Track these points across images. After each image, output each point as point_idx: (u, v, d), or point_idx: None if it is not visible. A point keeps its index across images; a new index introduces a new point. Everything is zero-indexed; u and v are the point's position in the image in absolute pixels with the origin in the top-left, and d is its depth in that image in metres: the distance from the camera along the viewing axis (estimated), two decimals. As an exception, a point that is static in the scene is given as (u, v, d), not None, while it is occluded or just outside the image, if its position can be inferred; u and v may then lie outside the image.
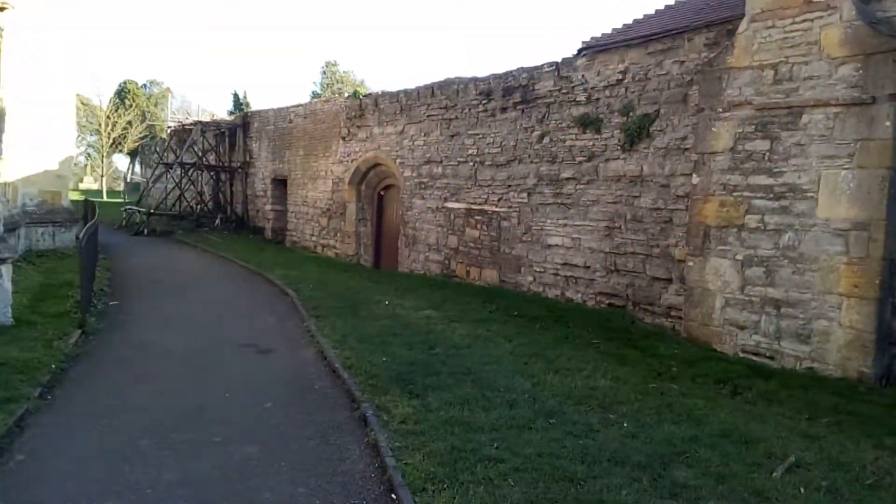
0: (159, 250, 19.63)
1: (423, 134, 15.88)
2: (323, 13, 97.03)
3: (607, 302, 11.23)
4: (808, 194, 7.86)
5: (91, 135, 59.13)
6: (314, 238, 20.83)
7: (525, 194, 12.90)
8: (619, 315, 10.85)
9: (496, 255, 13.67)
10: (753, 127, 8.42)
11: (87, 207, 19.73)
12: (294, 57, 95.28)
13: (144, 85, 69.43)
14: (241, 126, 25.47)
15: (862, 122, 7.43)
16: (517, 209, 13.09)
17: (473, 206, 14.31)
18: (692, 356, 8.36)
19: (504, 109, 13.47)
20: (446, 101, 15.00)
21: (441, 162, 15.26)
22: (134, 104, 58.00)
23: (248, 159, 25.44)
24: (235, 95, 49.62)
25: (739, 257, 8.52)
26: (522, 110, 13.04)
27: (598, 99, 11.47)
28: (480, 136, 14.10)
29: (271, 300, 11.87)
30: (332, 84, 53.40)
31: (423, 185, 15.87)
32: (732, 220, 8.60)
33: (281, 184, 23.45)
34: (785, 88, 8.13)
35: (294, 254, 19.62)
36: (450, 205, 14.99)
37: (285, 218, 23.10)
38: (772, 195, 8.21)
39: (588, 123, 11.57)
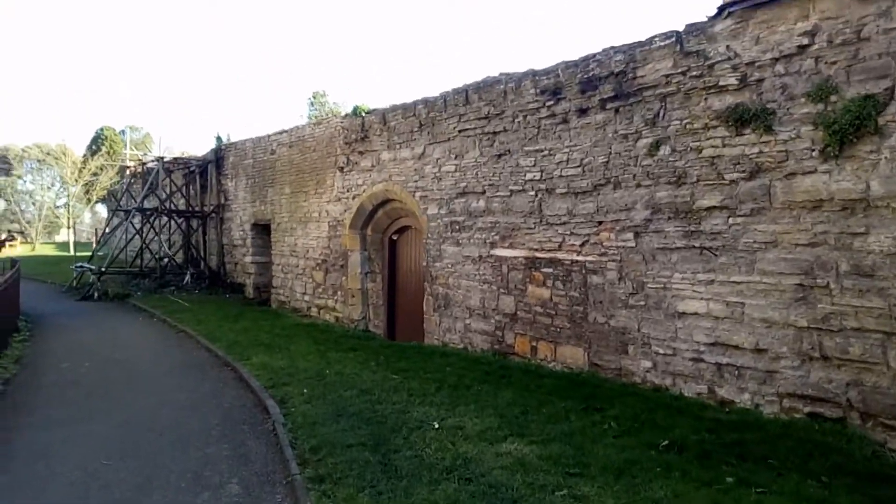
0: (105, 322, 14.94)
1: (452, 156, 11.52)
2: (306, 46, 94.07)
3: (806, 410, 6.70)
4: None
5: (73, 185, 54.48)
6: (307, 297, 16.23)
7: (630, 235, 8.48)
8: (837, 435, 6.34)
9: (581, 325, 9.16)
10: None
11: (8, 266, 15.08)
12: (279, 93, 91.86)
13: (122, 131, 65.43)
14: (213, 162, 21.09)
15: None
16: (617, 257, 8.65)
17: (539, 254, 9.86)
18: None
19: (584, 111, 9.15)
20: (488, 107, 10.68)
21: (483, 193, 10.87)
22: (111, 151, 53.68)
23: (222, 201, 20.98)
24: (218, 138, 45.34)
25: None
26: (617, 110, 8.72)
27: (760, 80, 7.15)
28: (545, 152, 9.75)
29: (238, 429, 7.13)
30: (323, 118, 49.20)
31: (456, 226, 11.44)
32: None
33: (263, 230, 18.96)
34: None
35: (281, 320, 14.99)
36: (500, 252, 10.54)
37: (270, 272, 18.54)
38: None
39: (746, 119, 7.22)
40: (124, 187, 24.58)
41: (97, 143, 58.25)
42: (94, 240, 20.34)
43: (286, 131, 17.52)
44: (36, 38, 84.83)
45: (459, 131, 11.32)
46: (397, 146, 12.95)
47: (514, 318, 10.28)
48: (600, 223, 8.88)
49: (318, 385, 8.33)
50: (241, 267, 20.13)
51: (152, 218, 21.61)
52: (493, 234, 10.67)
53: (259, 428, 6.97)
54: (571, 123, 9.34)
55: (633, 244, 8.44)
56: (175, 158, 22.99)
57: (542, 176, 9.82)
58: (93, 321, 15.12)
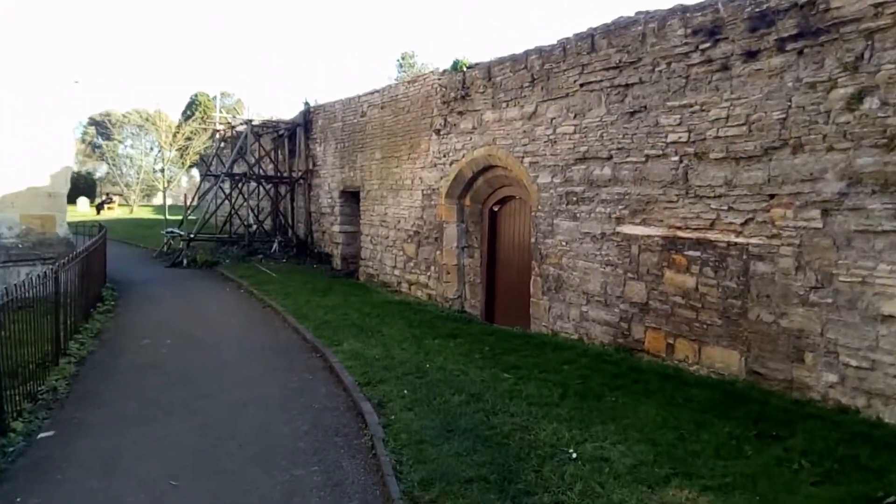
0: (190, 293, 14.39)
1: (571, 115, 9.85)
2: (393, 5, 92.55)
3: None
4: None
5: (168, 150, 55.78)
6: (397, 272, 15.11)
7: (815, 212, 6.63)
8: None
9: (738, 323, 7.43)
10: None
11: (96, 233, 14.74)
12: (366, 56, 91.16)
13: (215, 97, 66.68)
14: (302, 125, 20.21)
15: None
16: (795, 240, 6.83)
17: (682, 234, 8.13)
18: None
19: (752, 55, 7.25)
20: (620, 54, 8.91)
21: (609, 158, 9.18)
22: (205, 116, 54.62)
23: (311, 167, 20.13)
24: (306, 104, 45.12)
25: None
26: (800, 51, 6.79)
27: None
28: (695, 107, 7.93)
29: (331, 442, 5.85)
30: (411, 81, 47.73)
31: (573, 198, 9.83)
32: None
33: (352, 197, 17.96)
34: None
35: (371, 296, 13.94)
36: (629, 229, 8.87)
37: (358, 242, 17.57)
38: None
39: None
40: (214, 151, 24.27)
41: (191, 108, 59.56)
42: (186, 204, 20.19)
43: (377, 91, 16.26)
44: (134, 5, 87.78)
45: (581, 85, 9.61)
46: (503, 105, 11.38)
47: (645, 309, 8.63)
48: (772, 196, 7.05)
49: (419, 384, 7.07)
50: (328, 236, 19.29)
51: (241, 183, 21.09)
52: (620, 207, 8.99)
53: (355, 443, 5.76)
54: (734, 70, 7.47)
55: (820, 225, 6.59)
56: (264, 122, 22.32)
57: (689, 137, 8.02)
58: (179, 290, 14.63)
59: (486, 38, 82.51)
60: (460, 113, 12.61)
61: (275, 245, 19.91)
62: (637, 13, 8.87)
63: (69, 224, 15.08)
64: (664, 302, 8.37)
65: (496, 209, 12.64)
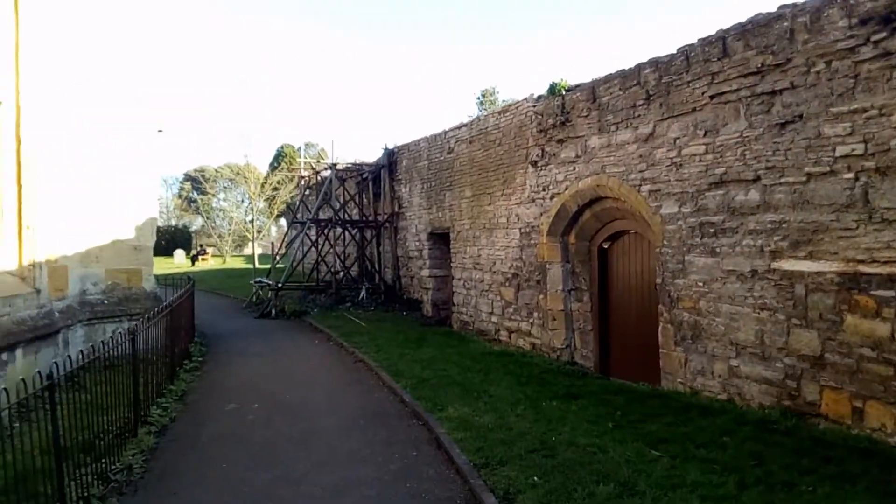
0: (279, 346, 13.68)
1: (700, 132, 8.43)
2: (470, 44, 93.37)
3: None
4: None
5: (256, 201, 57.65)
6: (494, 319, 13.85)
7: None
8: None
9: (964, 383, 5.68)
10: None
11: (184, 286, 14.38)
12: (445, 97, 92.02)
13: (300, 148, 68.77)
14: (386, 167, 19.60)
15: None
16: None
17: (866, 268, 6.49)
18: None
19: (958, 38, 5.68)
20: (762, 57, 7.48)
21: (756, 180, 7.67)
22: (291, 167, 56.28)
23: (396, 209, 19.41)
24: (385, 149, 45.39)
25: None
26: None
27: None
28: (871, 112, 6.38)
29: None
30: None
31: (709, 229, 8.33)
32: None
33: (441, 239, 17.00)
34: None
35: (468, 346, 12.73)
36: (790, 265, 7.28)
37: (449, 287, 16.50)
38: None
39: None
40: (300, 199, 24.10)
41: (278, 160, 61.64)
42: (273, 253, 20.01)
43: (465, 125, 15.36)
44: (222, 65, 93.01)
45: (711, 97, 8.21)
46: (612, 128, 10.10)
47: (820, 364, 6.96)
48: None
49: (549, 467, 5.72)
50: (417, 281, 18.35)
51: (326, 229, 20.64)
52: (776, 238, 7.43)
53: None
54: (931, 61, 5.90)
55: None
56: (347, 166, 21.97)
57: (866, 149, 6.45)
58: (268, 343, 13.95)
59: (571, 66, 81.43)
60: (560, 141, 11.40)
61: (362, 292, 19.17)
62: (780, 7, 7.44)
63: (160, 277, 14.86)
64: (846, 355, 6.68)
65: (606, 246, 11.24)
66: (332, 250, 21.09)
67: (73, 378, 6.12)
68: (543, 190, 11.97)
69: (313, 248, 20.62)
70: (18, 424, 5.65)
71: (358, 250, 21.31)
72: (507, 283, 13.35)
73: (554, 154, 11.63)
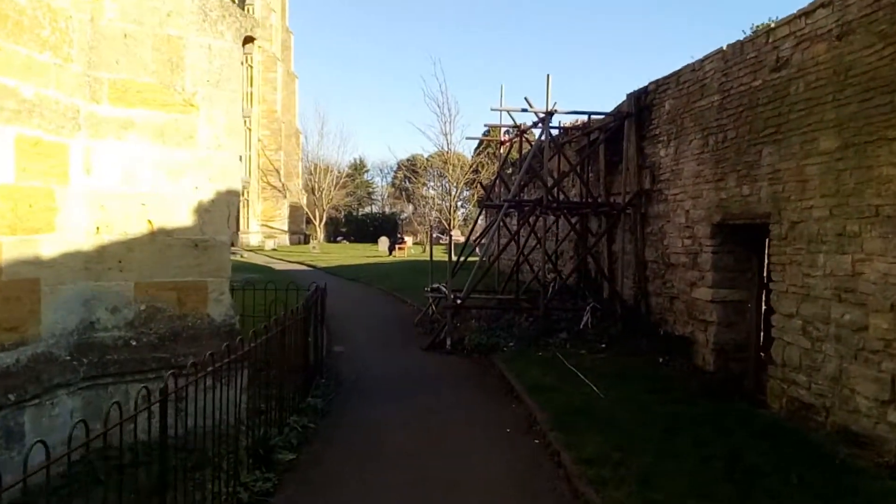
0: (440, 433, 7.30)
1: None
2: None
3: None
4: None
5: (455, 188, 54.40)
6: (881, 405, 5.97)
7: None
8: None
9: None
10: None
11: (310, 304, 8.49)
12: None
13: (507, 131, 64.00)
14: (632, 116, 12.30)
15: None
16: None
17: None
18: None
19: None
20: None
21: None
22: (495, 151, 51.67)
23: (646, 185, 12.02)
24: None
25: None
26: None
27: None
28: None
29: None
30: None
31: None
32: None
33: (740, 236, 9.36)
34: None
35: (837, 479, 5.14)
36: None
37: (752, 321, 8.82)
38: None
39: None
40: (497, 173, 17.79)
41: (482, 145, 57.68)
42: (457, 242, 14.56)
43: (804, 13, 7.55)
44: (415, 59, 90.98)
45: None
46: None
47: None
48: None
49: None
50: (684, 305, 10.81)
51: (532, 216, 13.94)
52: None
53: None
54: None
55: None
56: (566, 127, 15.04)
57: None
58: (424, 420, 7.66)
59: None
60: None
61: (586, 316, 12.14)
62: None
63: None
64: None
65: None
66: (538, 247, 14.38)
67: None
68: None
69: (512, 243, 14.16)
70: None
71: (577, 249, 14.29)
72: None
73: None
